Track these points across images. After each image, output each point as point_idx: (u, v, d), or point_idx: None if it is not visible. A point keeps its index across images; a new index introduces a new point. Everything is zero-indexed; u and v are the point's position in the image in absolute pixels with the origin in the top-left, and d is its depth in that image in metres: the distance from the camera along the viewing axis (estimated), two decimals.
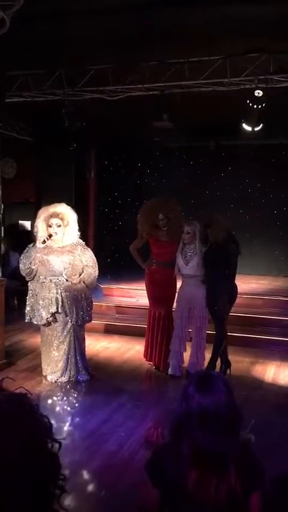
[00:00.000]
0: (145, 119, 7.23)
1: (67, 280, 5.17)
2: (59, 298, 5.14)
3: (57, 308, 5.15)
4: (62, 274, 5.15)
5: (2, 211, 7.73)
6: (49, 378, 5.28)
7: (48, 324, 5.23)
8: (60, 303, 5.14)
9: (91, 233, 10.40)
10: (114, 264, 9.85)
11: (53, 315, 5.18)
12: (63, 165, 9.38)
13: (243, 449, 1.70)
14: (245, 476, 1.63)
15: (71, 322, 5.21)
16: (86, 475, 3.46)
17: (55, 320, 5.22)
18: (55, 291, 5.15)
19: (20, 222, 9.83)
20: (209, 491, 1.59)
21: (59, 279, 5.16)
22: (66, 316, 5.20)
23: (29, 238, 5.64)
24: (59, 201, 5.49)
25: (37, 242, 5.17)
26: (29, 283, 5.33)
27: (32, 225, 5.81)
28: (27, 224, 9.57)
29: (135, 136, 9.35)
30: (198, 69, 6.26)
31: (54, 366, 5.27)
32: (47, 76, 6.81)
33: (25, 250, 5.26)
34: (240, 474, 1.63)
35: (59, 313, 5.19)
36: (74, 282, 5.17)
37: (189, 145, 10.03)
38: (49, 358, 5.30)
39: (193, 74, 6.33)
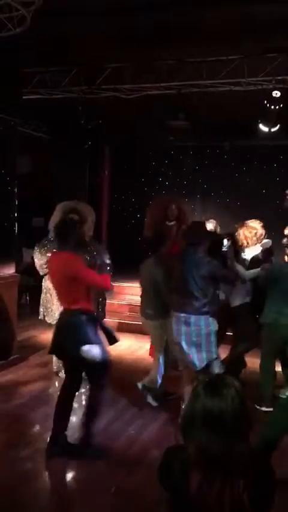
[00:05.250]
0: (161, 118, 7.22)
1: None
2: None
3: None
4: None
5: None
6: (60, 374, 5.30)
7: None
8: None
9: (104, 231, 10.44)
10: (127, 262, 9.85)
11: None
12: (78, 163, 9.40)
13: (254, 456, 1.67)
14: (254, 485, 1.60)
15: None
16: (96, 472, 3.47)
17: None
18: None
19: (34, 218, 9.87)
20: (211, 494, 1.58)
21: None
22: None
23: (42, 234, 5.65)
24: (73, 199, 5.51)
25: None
26: (43, 281, 5.33)
27: (46, 222, 5.82)
28: (40, 221, 9.60)
29: (150, 135, 9.34)
30: (216, 68, 6.23)
31: None
32: (64, 74, 6.84)
33: (43, 245, 5.22)
34: (249, 481, 1.61)
35: None
36: None
37: (204, 145, 9.99)
38: None
39: (210, 73, 6.31)
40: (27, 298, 8.66)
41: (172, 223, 5.64)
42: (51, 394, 4.93)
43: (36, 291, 5.66)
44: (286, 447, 3.79)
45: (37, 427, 4.15)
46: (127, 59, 6.32)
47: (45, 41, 5.49)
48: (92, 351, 3.50)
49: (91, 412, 3.68)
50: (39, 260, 5.22)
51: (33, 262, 5.34)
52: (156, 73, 6.49)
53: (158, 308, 4.54)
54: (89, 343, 3.52)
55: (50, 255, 5.11)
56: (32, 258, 7.03)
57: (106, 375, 3.71)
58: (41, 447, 3.81)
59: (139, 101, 6.91)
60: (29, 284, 8.16)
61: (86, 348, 3.49)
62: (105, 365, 3.62)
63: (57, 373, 5.34)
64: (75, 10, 5.07)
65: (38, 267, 5.26)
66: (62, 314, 3.73)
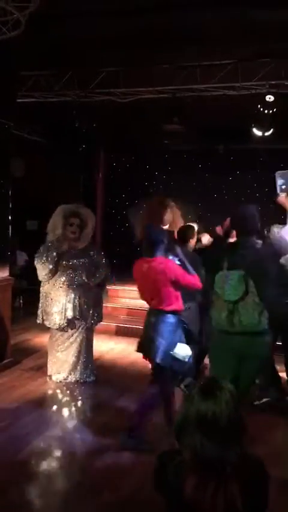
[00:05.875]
0: (155, 122, 7.25)
1: (84, 284, 5.16)
2: (77, 303, 5.13)
3: (75, 313, 5.13)
4: (80, 278, 5.15)
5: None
6: (54, 377, 5.28)
7: (62, 329, 5.23)
8: (78, 308, 5.13)
9: (98, 234, 10.43)
10: (121, 265, 9.85)
11: (68, 319, 5.16)
12: (73, 166, 9.41)
13: (248, 460, 1.67)
14: (248, 489, 1.61)
15: (86, 325, 5.22)
16: (91, 475, 3.47)
17: (70, 325, 5.20)
18: (73, 296, 5.13)
19: (28, 221, 9.87)
20: (206, 497, 1.58)
21: (77, 283, 5.15)
22: (82, 320, 5.20)
23: (36, 238, 5.64)
24: (67, 202, 5.50)
25: (61, 239, 5.14)
26: (41, 285, 5.28)
27: (40, 225, 5.82)
28: (34, 224, 9.61)
29: (144, 139, 9.37)
30: (210, 73, 6.27)
31: (60, 367, 5.27)
32: (58, 77, 6.84)
33: (44, 251, 5.15)
34: (243, 485, 1.61)
35: (77, 318, 5.17)
36: (92, 284, 5.17)
37: (198, 149, 10.03)
38: (56, 358, 5.29)
39: (204, 77, 6.35)
40: (21, 301, 8.64)
41: (166, 226, 5.63)
42: (45, 397, 4.92)
43: (29, 294, 5.64)
44: (281, 448, 3.80)
45: (31, 430, 4.13)
46: (121, 63, 6.34)
47: (40, 44, 5.50)
48: (184, 351, 3.67)
49: (143, 408, 3.82)
50: (43, 270, 5.13)
51: (27, 266, 5.32)
52: (151, 77, 6.52)
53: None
54: (181, 343, 3.69)
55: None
56: (25, 261, 7.02)
57: (174, 378, 3.92)
58: (36, 450, 3.80)
59: (134, 104, 6.93)
60: (23, 287, 8.16)
61: (178, 348, 3.65)
62: (185, 367, 3.82)
63: (50, 377, 5.32)
64: (71, 13, 5.09)
65: (43, 276, 5.16)
66: (153, 315, 3.79)
